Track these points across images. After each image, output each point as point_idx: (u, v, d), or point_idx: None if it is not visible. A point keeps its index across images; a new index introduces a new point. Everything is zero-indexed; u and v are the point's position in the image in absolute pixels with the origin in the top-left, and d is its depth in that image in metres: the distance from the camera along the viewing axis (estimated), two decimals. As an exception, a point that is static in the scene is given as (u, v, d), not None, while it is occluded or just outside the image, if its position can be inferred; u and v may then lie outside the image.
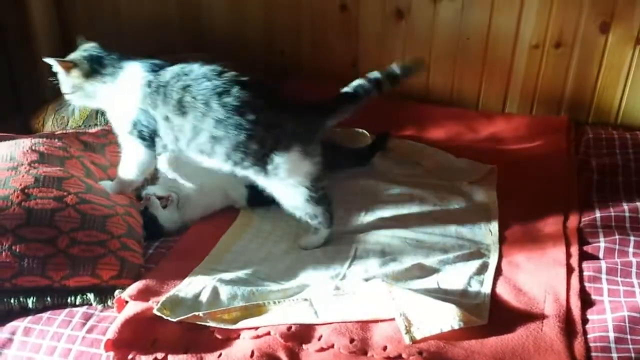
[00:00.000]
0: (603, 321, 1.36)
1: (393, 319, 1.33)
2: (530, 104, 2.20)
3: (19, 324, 1.39)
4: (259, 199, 1.70)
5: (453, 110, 2.21)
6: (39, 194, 1.48)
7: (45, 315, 1.41)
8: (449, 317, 1.31)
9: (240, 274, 1.49)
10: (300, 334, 1.32)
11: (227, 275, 1.48)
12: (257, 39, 2.36)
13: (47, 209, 1.45)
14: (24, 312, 1.42)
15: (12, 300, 1.40)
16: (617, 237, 1.59)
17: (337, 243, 1.65)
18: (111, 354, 1.30)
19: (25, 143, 1.68)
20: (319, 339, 1.31)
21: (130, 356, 1.30)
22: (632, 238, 1.58)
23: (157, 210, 1.68)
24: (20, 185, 1.49)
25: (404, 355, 1.26)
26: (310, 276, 1.52)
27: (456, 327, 1.30)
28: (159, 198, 1.71)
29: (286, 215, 1.69)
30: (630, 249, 1.56)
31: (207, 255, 1.57)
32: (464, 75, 2.23)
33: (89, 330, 1.37)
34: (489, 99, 2.24)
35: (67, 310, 1.42)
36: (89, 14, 2.45)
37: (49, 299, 1.42)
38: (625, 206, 1.69)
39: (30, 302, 1.40)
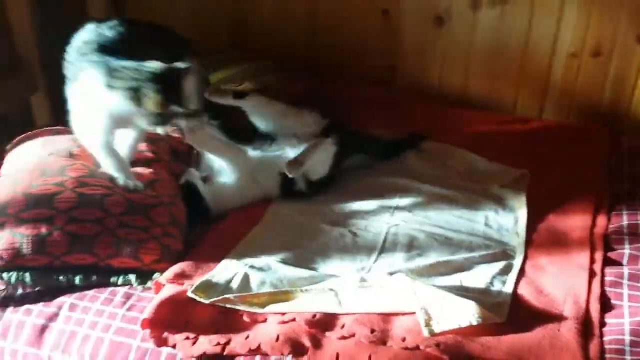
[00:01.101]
0: (620, 325, 1.37)
1: (414, 313, 1.36)
2: (567, 112, 2.19)
3: (66, 299, 1.47)
4: (291, 191, 1.79)
5: (490, 115, 2.22)
6: (91, 182, 1.57)
7: (90, 293, 1.49)
8: (468, 314, 1.33)
9: (271, 261, 1.54)
10: (324, 322, 1.36)
11: (258, 263, 1.53)
12: (300, 42, 2.41)
13: (97, 194, 1.54)
14: (71, 289, 1.49)
15: (61, 278, 1.48)
16: (642, 244, 1.59)
17: (366, 233, 1.68)
18: (147, 331, 1.37)
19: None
20: (342, 328, 1.35)
21: (164, 335, 1.36)
22: (657, 246, 1.58)
23: (198, 182, 1.73)
24: (77, 174, 1.58)
25: (421, 347, 1.29)
26: (338, 267, 1.56)
27: (474, 323, 1.32)
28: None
29: (315, 206, 1.77)
30: (656, 257, 1.56)
31: (239, 242, 1.62)
32: (502, 81, 2.24)
33: (129, 309, 1.44)
34: (526, 105, 2.24)
35: (110, 289, 1.50)
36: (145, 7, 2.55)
37: (94, 277, 1.50)
38: (654, 215, 1.69)
39: (77, 279, 1.49)
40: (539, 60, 2.15)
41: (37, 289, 1.50)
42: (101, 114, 1.59)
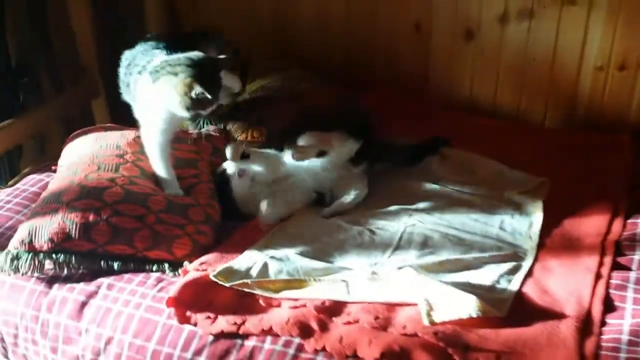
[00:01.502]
0: (620, 325, 1.39)
1: (417, 304, 1.44)
2: (594, 124, 2.19)
3: (104, 280, 1.60)
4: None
5: (518, 125, 2.25)
6: (139, 182, 1.71)
7: (127, 275, 1.61)
8: (468, 306, 1.39)
9: (290, 252, 1.63)
10: (332, 309, 1.45)
11: (278, 254, 1.62)
12: (338, 53, 2.50)
13: (143, 192, 1.68)
14: (110, 272, 1.62)
15: (101, 262, 1.61)
16: (653, 251, 1.60)
17: (384, 232, 1.74)
18: (172, 310, 1.49)
19: (129, 135, 1.93)
20: (348, 315, 1.43)
21: (187, 313, 1.47)
22: (667, 253, 1.59)
23: (233, 176, 1.81)
24: (128, 173, 1.73)
25: (419, 334, 1.35)
26: (353, 261, 1.64)
27: (474, 315, 1.38)
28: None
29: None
30: (665, 263, 1.56)
31: (263, 237, 1.72)
32: (530, 94, 2.26)
33: (159, 290, 1.56)
34: (555, 117, 2.25)
35: (144, 273, 1.62)
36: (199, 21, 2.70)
37: (131, 265, 1.62)
38: (668, 224, 1.69)
39: (116, 265, 1.61)
40: (566, 73, 2.17)
41: (80, 271, 1.63)
42: (153, 116, 1.74)
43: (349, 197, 1.87)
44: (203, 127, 2.05)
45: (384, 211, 1.84)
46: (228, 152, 1.86)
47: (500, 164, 2.01)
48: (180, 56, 1.65)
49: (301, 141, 1.95)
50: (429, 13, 2.30)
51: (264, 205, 1.78)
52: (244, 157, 1.88)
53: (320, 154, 1.91)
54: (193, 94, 1.60)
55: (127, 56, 1.85)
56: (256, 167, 1.87)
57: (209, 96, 1.59)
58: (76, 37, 2.47)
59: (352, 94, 2.34)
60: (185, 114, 1.66)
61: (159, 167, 1.77)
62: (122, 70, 1.84)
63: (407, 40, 2.38)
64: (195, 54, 1.65)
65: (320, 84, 2.30)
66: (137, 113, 1.83)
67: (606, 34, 2.07)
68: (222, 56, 1.68)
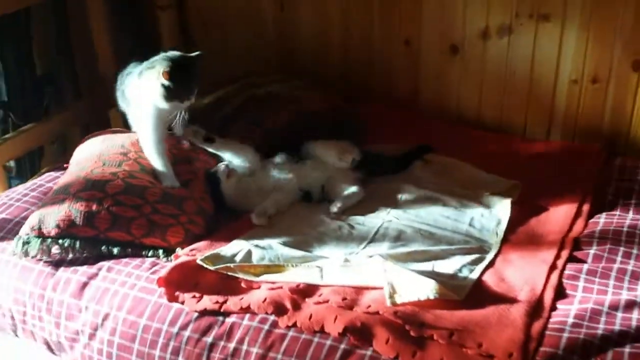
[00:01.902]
0: (568, 310, 1.49)
1: (382, 288, 1.55)
2: (572, 134, 2.29)
3: (104, 263, 1.73)
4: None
5: (500, 136, 2.35)
6: (138, 176, 1.85)
7: (124, 260, 1.74)
8: (426, 289, 1.50)
9: (273, 242, 1.75)
10: (305, 291, 1.57)
11: (262, 243, 1.75)
12: (336, 67, 2.63)
13: (141, 185, 1.82)
14: (110, 257, 1.75)
15: (102, 247, 1.74)
16: (608, 246, 1.68)
17: (362, 227, 1.86)
18: (162, 290, 1.62)
19: (134, 136, 2.07)
20: (319, 296, 1.55)
21: (176, 293, 1.60)
22: (621, 248, 1.67)
23: (222, 177, 1.94)
24: (129, 168, 1.88)
25: (380, 312, 1.47)
26: (330, 251, 1.75)
27: (431, 297, 1.48)
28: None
29: (324, 204, 1.98)
30: (618, 257, 1.65)
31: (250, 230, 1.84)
32: (511, 105, 2.36)
33: (153, 272, 1.68)
34: (534, 128, 2.35)
35: (140, 258, 1.75)
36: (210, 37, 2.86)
37: (129, 250, 1.75)
38: (627, 222, 1.78)
39: (115, 250, 1.74)
40: (543, 85, 2.27)
41: (84, 255, 1.77)
42: (144, 113, 1.90)
43: (352, 191, 1.98)
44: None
45: (365, 208, 1.95)
46: (189, 132, 2.00)
47: (476, 168, 2.12)
48: (160, 54, 1.86)
49: (317, 149, 2.09)
50: (417, 31, 2.42)
51: (254, 216, 1.89)
52: (209, 140, 2.01)
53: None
54: (167, 82, 1.78)
55: (122, 73, 2.04)
56: (227, 156, 2.00)
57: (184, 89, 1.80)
58: (96, 50, 2.64)
59: (346, 103, 2.47)
60: (164, 104, 1.83)
61: (156, 161, 1.92)
62: (118, 82, 2.04)
63: (398, 55, 2.50)
64: (172, 52, 1.86)
65: (317, 93, 2.42)
66: (131, 117, 2.02)
67: (579, 49, 2.17)
68: (194, 53, 1.88)
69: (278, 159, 2.06)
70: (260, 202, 1.93)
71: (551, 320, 1.46)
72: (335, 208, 1.93)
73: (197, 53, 1.87)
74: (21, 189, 2.10)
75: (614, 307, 1.47)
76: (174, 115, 1.90)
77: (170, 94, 1.81)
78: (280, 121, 2.21)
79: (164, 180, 1.89)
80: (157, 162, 1.92)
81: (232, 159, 2.00)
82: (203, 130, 2.03)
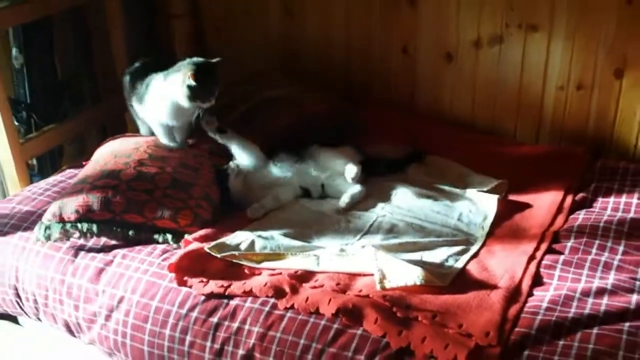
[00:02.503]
0: (544, 296, 1.60)
1: (373, 274, 1.67)
2: (559, 137, 2.39)
3: (119, 251, 1.86)
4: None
5: (491, 138, 2.46)
6: (148, 163, 1.99)
7: (138, 247, 1.87)
8: (413, 275, 1.61)
9: (275, 233, 1.87)
10: (303, 276, 1.69)
11: (265, 234, 1.87)
12: (338, 73, 2.75)
13: (151, 172, 1.95)
14: (125, 243, 1.89)
15: (118, 230, 1.87)
16: (584, 239, 1.79)
17: (358, 221, 1.97)
18: (172, 275, 1.75)
19: (149, 138, 2.20)
20: (315, 281, 1.67)
21: (185, 278, 1.73)
22: (597, 241, 1.78)
23: (232, 173, 2.07)
24: (138, 157, 2.01)
25: (371, 296, 1.59)
26: (328, 241, 1.87)
27: (418, 283, 1.60)
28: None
29: (327, 199, 2.11)
30: (593, 250, 1.76)
31: (255, 222, 1.97)
32: (502, 110, 2.47)
33: (164, 259, 1.81)
34: (524, 131, 2.45)
35: (152, 245, 1.88)
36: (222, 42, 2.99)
37: (142, 233, 1.87)
38: (604, 218, 1.89)
39: (130, 233, 1.87)
40: (532, 92, 2.38)
41: (101, 243, 1.90)
42: (161, 108, 2.07)
43: (358, 190, 2.09)
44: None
45: (362, 203, 2.07)
46: (204, 122, 2.11)
47: (466, 167, 2.23)
48: (186, 59, 2.02)
49: (322, 157, 2.19)
50: (414, 39, 2.54)
51: (249, 210, 2.01)
52: (221, 131, 2.12)
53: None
54: (193, 83, 1.93)
55: (131, 71, 2.23)
56: (235, 149, 2.11)
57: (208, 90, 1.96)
58: (114, 57, 2.78)
59: (347, 105, 2.60)
60: (187, 103, 1.99)
61: (162, 137, 2.14)
62: (128, 80, 2.21)
63: (396, 62, 2.62)
64: (197, 58, 2.02)
65: (319, 96, 2.54)
66: (143, 112, 2.17)
67: (565, 58, 2.27)
68: (216, 59, 2.04)
69: (279, 158, 2.18)
70: (262, 197, 2.05)
71: (527, 304, 1.58)
72: (344, 204, 2.05)
73: (217, 59, 2.03)
74: (43, 184, 2.24)
75: (585, 294, 1.58)
76: (192, 114, 2.07)
77: (194, 94, 1.97)
78: (282, 122, 2.33)
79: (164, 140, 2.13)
80: (164, 138, 2.13)
81: (238, 152, 2.12)
82: (216, 120, 2.13)
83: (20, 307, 1.95)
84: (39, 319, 1.96)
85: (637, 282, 1.63)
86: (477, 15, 2.39)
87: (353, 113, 2.54)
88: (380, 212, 2.01)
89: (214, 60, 2.02)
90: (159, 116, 2.09)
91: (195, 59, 2.01)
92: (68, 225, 1.85)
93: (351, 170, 2.10)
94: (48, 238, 1.86)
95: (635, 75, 2.19)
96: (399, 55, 2.60)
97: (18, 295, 1.93)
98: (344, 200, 2.05)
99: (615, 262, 1.71)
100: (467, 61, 2.47)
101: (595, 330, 1.47)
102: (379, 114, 2.61)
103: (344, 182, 2.12)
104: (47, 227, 1.87)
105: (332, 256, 1.77)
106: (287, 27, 2.81)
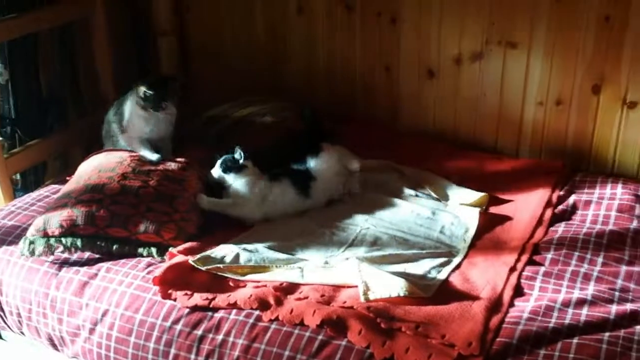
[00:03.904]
0: (525, 306, 1.62)
1: (357, 286, 1.68)
2: (538, 152, 2.43)
3: (103, 264, 1.86)
4: None
5: (472, 153, 2.49)
6: (132, 177, 1.99)
7: (122, 260, 1.86)
8: (397, 287, 1.63)
9: (259, 246, 1.88)
10: (288, 288, 1.69)
11: (250, 246, 1.87)
12: (322, 90, 2.77)
13: (135, 186, 1.95)
14: (109, 257, 1.88)
15: (102, 244, 1.86)
16: (564, 251, 1.82)
17: (342, 233, 1.98)
18: (157, 288, 1.75)
19: (133, 152, 2.21)
20: (300, 293, 1.68)
21: (169, 291, 1.72)
22: (576, 253, 1.81)
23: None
24: (122, 171, 2.01)
25: (355, 307, 1.60)
26: (312, 254, 1.88)
27: (402, 294, 1.61)
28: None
29: (313, 211, 2.12)
30: (573, 261, 1.79)
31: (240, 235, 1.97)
32: (483, 125, 2.50)
33: (148, 272, 1.81)
34: (505, 146, 2.48)
35: (137, 259, 1.87)
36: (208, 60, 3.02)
37: (126, 247, 1.87)
38: (583, 231, 1.91)
39: (114, 247, 1.86)
40: (512, 107, 2.41)
41: (85, 256, 1.89)
42: (133, 120, 2.18)
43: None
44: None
45: (346, 216, 2.08)
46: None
47: (448, 180, 2.25)
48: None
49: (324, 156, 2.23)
50: (397, 57, 2.57)
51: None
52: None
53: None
54: (146, 92, 2.13)
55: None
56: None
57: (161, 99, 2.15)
58: (99, 73, 2.78)
59: (331, 122, 2.61)
60: (142, 112, 2.17)
61: (142, 151, 2.18)
62: (113, 110, 2.34)
63: (379, 79, 2.64)
64: (154, 76, 2.25)
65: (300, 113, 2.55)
66: (125, 139, 2.25)
67: (544, 74, 2.31)
68: (171, 75, 2.27)
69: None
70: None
71: (508, 315, 1.59)
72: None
73: (172, 75, 2.25)
74: (27, 198, 2.23)
75: (565, 304, 1.60)
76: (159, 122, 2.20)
77: (145, 102, 2.14)
78: (268, 139, 2.35)
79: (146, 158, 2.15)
80: (140, 151, 2.19)
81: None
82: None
83: (4, 321, 1.94)
84: (22, 332, 1.94)
85: (616, 293, 1.66)
86: (457, 32, 2.43)
87: (337, 131, 2.56)
88: (364, 225, 2.03)
89: (168, 75, 2.26)
90: (133, 132, 2.20)
91: (151, 77, 2.28)
92: (52, 240, 1.85)
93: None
94: (32, 253, 1.85)
95: (612, 91, 2.24)
96: (381, 72, 2.64)
97: (1, 309, 1.92)
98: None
99: (595, 273, 1.74)
100: (448, 77, 2.51)
101: (575, 340, 1.48)
102: (362, 130, 2.63)
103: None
104: (32, 242, 1.86)
105: (316, 268, 1.78)
106: (271, 45, 2.84)
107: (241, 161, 2.08)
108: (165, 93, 2.17)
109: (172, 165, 2.11)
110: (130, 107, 2.21)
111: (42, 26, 2.60)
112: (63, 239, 1.85)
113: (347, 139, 2.51)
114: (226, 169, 2.08)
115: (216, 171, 2.10)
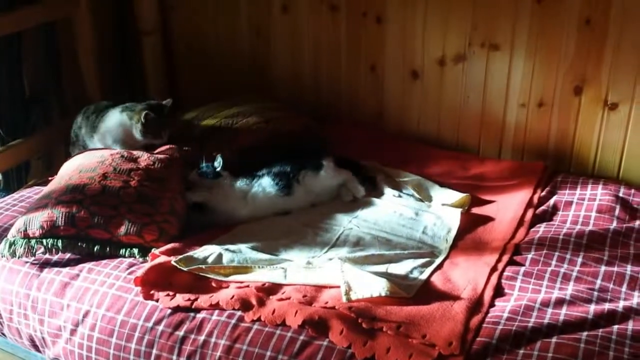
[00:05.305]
0: (505, 306, 1.63)
1: (339, 286, 1.69)
2: (521, 153, 2.45)
3: (85, 265, 1.85)
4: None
5: (456, 154, 2.51)
6: (113, 177, 1.97)
7: (104, 261, 1.85)
8: (379, 287, 1.63)
9: (242, 247, 1.88)
10: (270, 289, 1.69)
11: (232, 247, 1.87)
12: (307, 92, 2.78)
13: (116, 186, 1.94)
14: (90, 258, 1.87)
15: (83, 245, 1.85)
16: (544, 251, 1.83)
17: (325, 234, 1.99)
18: (139, 288, 1.74)
19: (114, 151, 2.20)
20: (282, 293, 1.68)
21: (151, 291, 1.72)
22: (556, 254, 1.83)
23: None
24: (103, 171, 1.99)
25: (337, 307, 1.60)
26: (295, 254, 1.88)
27: (383, 294, 1.62)
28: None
29: (297, 211, 2.12)
30: (553, 261, 1.80)
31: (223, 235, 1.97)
32: (466, 126, 2.51)
33: (130, 273, 1.80)
34: (487, 147, 2.50)
35: (119, 259, 1.87)
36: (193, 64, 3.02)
37: (108, 249, 1.86)
38: (564, 231, 1.93)
39: (95, 249, 1.86)
40: (494, 108, 2.43)
41: (67, 257, 1.88)
42: (113, 136, 2.24)
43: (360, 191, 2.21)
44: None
45: (330, 216, 2.09)
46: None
47: (431, 182, 2.27)
48: (141, 102, 2.30)
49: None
50: (381, 58, 2.58)
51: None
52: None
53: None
54: (144, 120, 2.20)
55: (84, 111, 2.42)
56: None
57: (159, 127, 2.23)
58: (82, 73, 2.77)
59: (316, 124, 2.62)
60: (140, 137, 2.23)
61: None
62: (81, 115, 2.40)
63: (364, 80, 2.65)
64: (150, 102, 2.32)
65: (289, 113, 2.57)
66: (93, 142, 2.33)
67: (526, 76, 2.33)
68: (166, 101, 2.31)
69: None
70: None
71: (489, 315, 1.60)
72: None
73: (168, 101, 2.30)
74: (9, 199, 2.22)
75: (545, 304, 1.62)
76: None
77: (146, 130, 2.22)
78: (253, 139, 2.35)
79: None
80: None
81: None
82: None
83: (-15, 323, 1.92)
84: (3, 334, 1.93)
85: (595, 293, 1.68)
86: (441, 35, 2.44)
87: (322, 131, 2.57)
88: (347, 225, 2.04)
89: (164, 102, 2.29)
90: (109, 142, 2.27)
91: (149, 102, 2.30)
92: (33, 241, 1.84)
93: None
94: (13, 254, 1.84)
95: (593, 92, 2.26)
96: (367, 73, 2.64)
97: (-18, 310, 1.90)
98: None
99: (574, 274, 1.76)
100: (432, 79, 2.52)
101: (554, 340, 1.50)
102: (346, 131, 2.65)
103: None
104: (12, 243, 1.85)
105: (299, 269, 1.78)
106: (256, 44, 2.84)
107: (218, 169, 2.12)
108: (165, 123, 2.26)
109: (155, 163, 2.09)
110: (120, 121, 2.26)
111: (26, 25, 2.59)
112: (44, 240, 1.84)
113: (332, 139, 2.54)
114: (202, 174, 2.13)
115: (193, 176, 2.14)
